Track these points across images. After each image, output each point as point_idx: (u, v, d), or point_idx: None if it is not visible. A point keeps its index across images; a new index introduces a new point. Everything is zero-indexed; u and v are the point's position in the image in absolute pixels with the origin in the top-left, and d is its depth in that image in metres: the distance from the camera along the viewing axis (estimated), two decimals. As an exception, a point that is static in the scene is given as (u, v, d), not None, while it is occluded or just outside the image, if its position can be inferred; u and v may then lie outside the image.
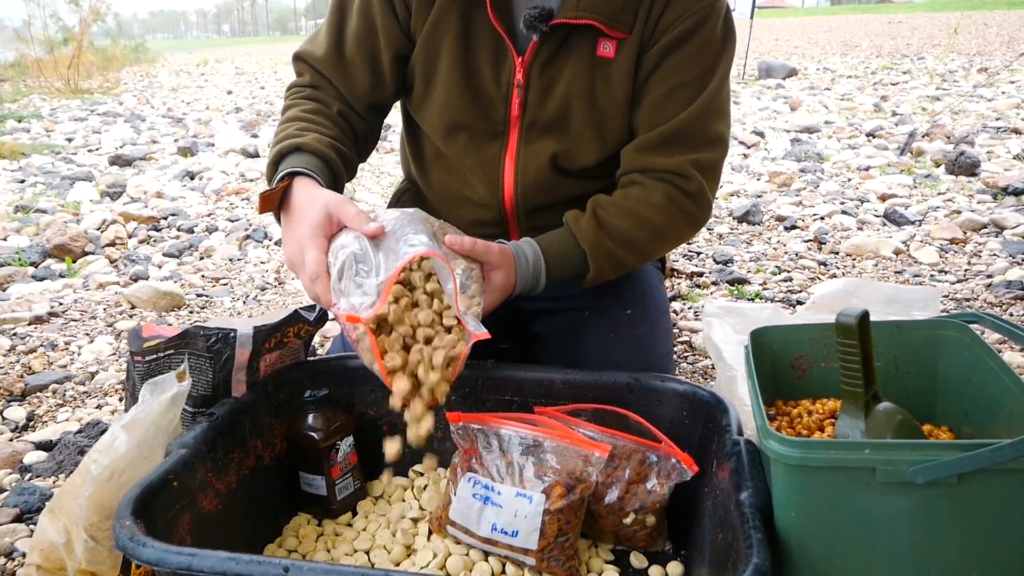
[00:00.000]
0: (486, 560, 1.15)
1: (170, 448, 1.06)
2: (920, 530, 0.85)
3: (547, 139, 1.39)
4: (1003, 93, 6.49)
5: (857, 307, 0.91)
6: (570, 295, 1.46)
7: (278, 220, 1.27)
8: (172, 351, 1.17)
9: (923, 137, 4.72)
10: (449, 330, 1.13)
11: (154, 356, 1.16)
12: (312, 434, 1.23)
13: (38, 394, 1.89)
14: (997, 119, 5.30)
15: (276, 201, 1.23)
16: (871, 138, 4.96)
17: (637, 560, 1.19)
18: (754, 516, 0.90)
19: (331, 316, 1.22)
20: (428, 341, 1.11)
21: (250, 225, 3.38)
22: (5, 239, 3.38)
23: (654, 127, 1.36)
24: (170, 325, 1.75)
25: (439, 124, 1.42)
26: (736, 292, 2.41)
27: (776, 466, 0.88)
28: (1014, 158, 4.09)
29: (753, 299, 2.34)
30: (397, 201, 1.65)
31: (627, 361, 1.39)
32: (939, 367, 1.11)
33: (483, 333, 1.11)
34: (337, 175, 1.33)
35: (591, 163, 1.41)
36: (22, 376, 1.96)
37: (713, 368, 1.86)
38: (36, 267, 3.02)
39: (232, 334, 1.17)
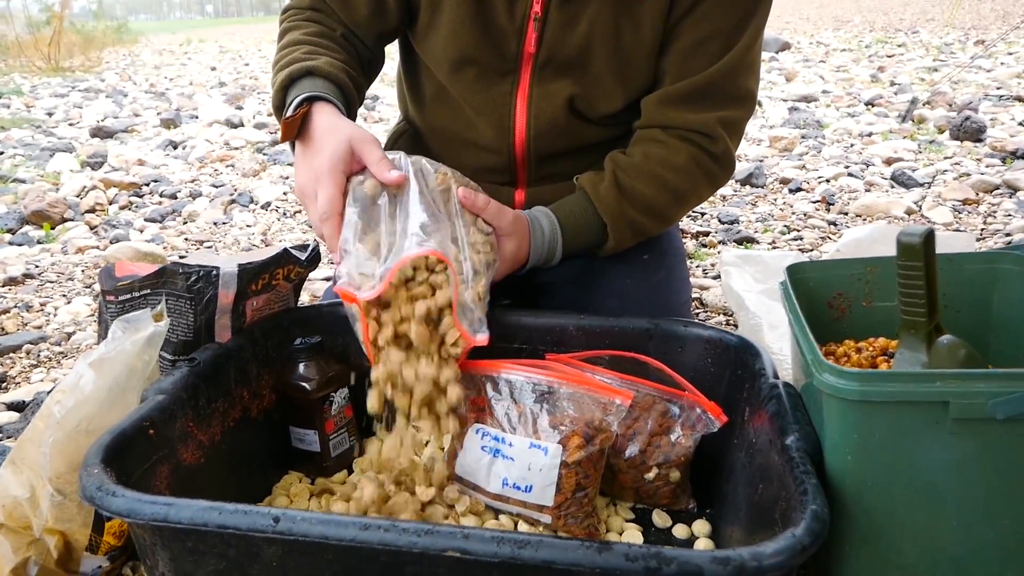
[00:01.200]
0: (496, 518, 1.05)
1: (146, 394, 0.95)
2: (996, 474, 0.75)
3: (563, 80, 1.28)
4: (1002, 64, 6.39)
5: (920, 226, 0.81)
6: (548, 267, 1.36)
7: (292, 148, 1.17)
8: (148, 291, 1.06)
9: (924, 105, 4.63)
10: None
11: (128, 296, 1.05)
12: (303, 384, 1.12)
13: (11, 355, 1.77)
14: (998, 88, 5.21)
15: (296, 128, 1.12)
16: (870, 106, 4.86)
17: (660, 519, 1.09)
18: (804, 461, 0.80)
19: (325, 259, 1.12)
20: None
21: (235, 190, 3.26)
22: (-19, 208, 3.25)
23: (681, 77, 1.25)
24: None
25: (444, 58, 1.30)
26: (746, 250, 2.32)
27: (831, 403, 0.78)
28: (1019, 124, 4.00)
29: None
30: (393, 144, 1.54)
31: (643, 309, 1.28)
32: (994, 303, 1.01)
33: (482, 339, 1.04)
34: (351, 103, 1.22)
35: (612, 110, 1.30)
36: (-7, 337, 1.85)
37: (728, 324, 1.76)
38: (13, 234, 2.89)
39: (215, 272, 1.06)
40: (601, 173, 1.27)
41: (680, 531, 1.07)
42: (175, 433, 0.95)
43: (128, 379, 0.92)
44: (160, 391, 0.95)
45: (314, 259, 1.17)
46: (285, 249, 1.13)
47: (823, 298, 1.06)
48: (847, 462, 0.79)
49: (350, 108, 1.23)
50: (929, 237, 0.80)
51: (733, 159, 1.31)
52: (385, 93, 5.92)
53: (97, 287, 2.19)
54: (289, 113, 1.13)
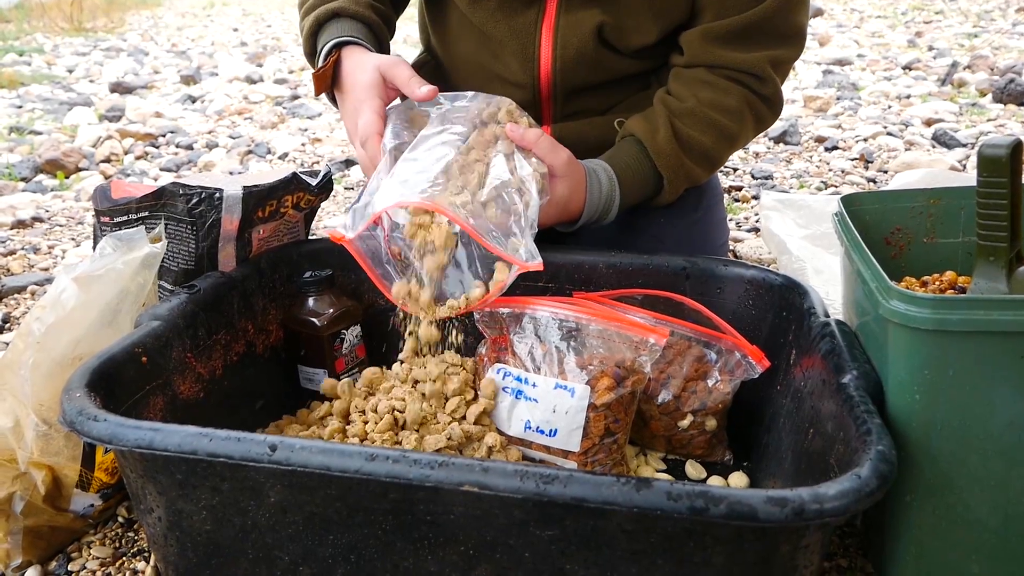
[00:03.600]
0: (518, 465, 0.97)
1: (140, 320, 0.88)
2: (1086, 416, 0.66)
3: (591, 8, 1.18)
4: (1044, 30, 6.17)
5: (1007, 136, 0.71)
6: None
7: (333, 102, 1.16)
8: (147, 213, 0.98)
9: (964, 69, 4.46)
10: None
11: (124, 218, 0.98)
12: (312, 319, 1.05)
13: (15, 296, 1.71)
14: (1041, 53, 5.01)
15: (329, 79, 1.12)
16: (908, 70, 4.69)
17: (694, 470, 1.01)
18: (865, 400, 0.71)
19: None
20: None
21: (252, 141, 3.18)
22: (-3, 157, 3.20)
23: (722, 13, 1.15)
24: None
25: None
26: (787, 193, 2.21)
27: (898, 335, 0.69)
28: (1065, 88, 3.83)
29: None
30: (414, 76, 1.45)
31: (678, 250, 1.19)
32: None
33: (535, 264, 0.92)
34: (381, 39, 1.22)
35: (645, 43, 1.20)
36: (-1, 278, 1.79)
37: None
38: (27, 182, 2.84)
39: (218, 195, 0.98)
40: (653, 120, 1.17)
41: (715, 484, 0.99)
42: (171, 363, 0.88)
43: (120, 302, 0.85)
44: (155, 317, 0.88)
45: (325, 186, 1.09)
46: (294, 173, 1.05)
47: (880, 233, 0.97)
48: (914, 402, 0.70)
49: (381, 45, 1.20)
50: (1016, 149, 0.71)
51: (782, 100, 1.22)
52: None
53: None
54: (319, 64, 1.12)
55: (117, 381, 0.78)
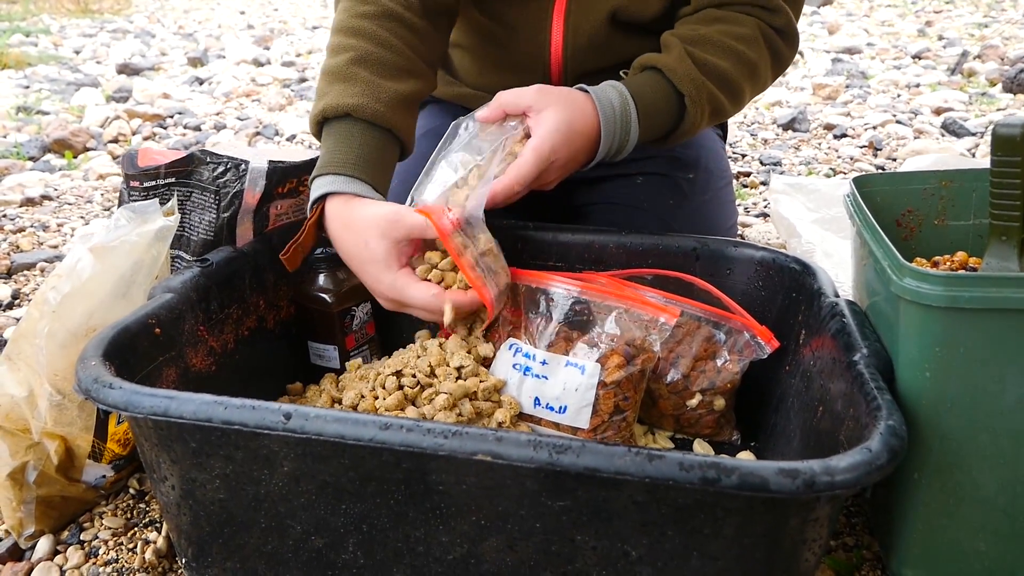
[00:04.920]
0: (527, 441, 0.97)
1: (153, 292, 0.88)
2: (1097, 394, 0.67)
3: None
4: (1055, 21, 6.14)
5: (1021, 116, 0.71)
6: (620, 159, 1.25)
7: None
8: (174, 179, 0.98)
9: (974, 58, 4.44)
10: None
11: (153, 184, 0.98)
12: (323, 296, 1.05)
13: (25, 272, 1.72)
14: (1052, 44, 4.98)
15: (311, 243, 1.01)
16: (917, 59, 4.67)
17: (702, 449, 1.02)
18: (876, 377, 0.71)
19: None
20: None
21: (260, 123, 3.18)
22: (4, 136, 3.20)
23: None
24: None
25: None
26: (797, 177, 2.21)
27: (910, 312, 0.70)
28: (1076, 78, 3.81)
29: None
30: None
31: (689, 231, 1.19)
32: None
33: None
34: (404, 143, 1.06)
35: (657, 11, 1.18)
36: (8, 254, 1.79)
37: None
38: (35, 161, 2.84)
39: (244, 166, 0.98)
40: (665, 48, 1.11)
41: (723, 462, 0.99)
42: (183, 335, 0.88)
43: (134, 274, 0.85)
44: (168, 289, 0.88)
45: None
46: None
47: (891, 215, 0.97)
48: (925, 380, 0.70)
49: (403, 149, 1.07)
50: (1031, 129, 0.71)
51: (797, 34, 1.17)
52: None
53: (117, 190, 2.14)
54: (309, 205, 0.99)
55: (131, 352, 0.79)
